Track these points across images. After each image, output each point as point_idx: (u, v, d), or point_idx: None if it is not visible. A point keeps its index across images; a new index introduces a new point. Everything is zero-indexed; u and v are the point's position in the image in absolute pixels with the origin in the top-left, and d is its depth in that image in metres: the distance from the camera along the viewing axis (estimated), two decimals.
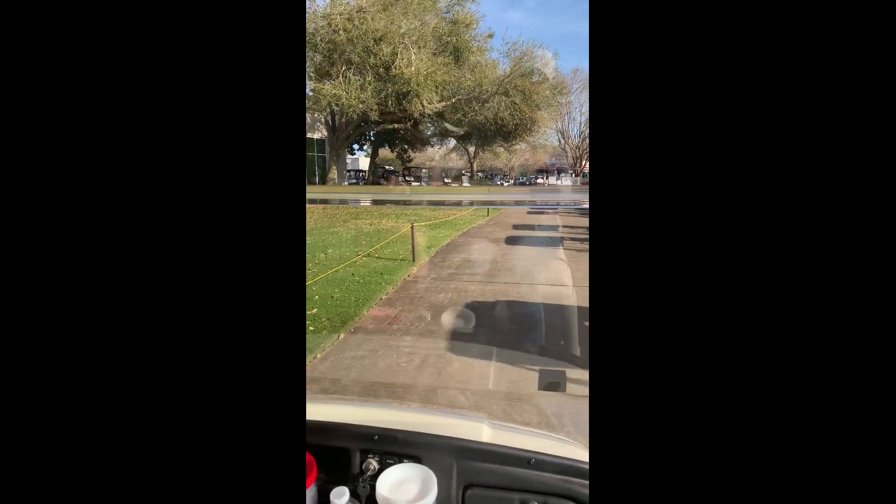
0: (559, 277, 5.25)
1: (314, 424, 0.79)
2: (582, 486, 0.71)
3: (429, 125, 15.96)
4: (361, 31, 12.18)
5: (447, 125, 15.05)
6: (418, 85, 12.52)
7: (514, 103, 14.34)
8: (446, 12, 14.05)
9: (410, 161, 19.71)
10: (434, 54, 13.18)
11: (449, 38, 13.68)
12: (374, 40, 12.27)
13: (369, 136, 17.53)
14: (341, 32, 12.07)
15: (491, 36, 14.65)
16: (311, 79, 12.59)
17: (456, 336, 3.44)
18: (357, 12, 12.26)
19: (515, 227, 9.80)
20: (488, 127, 14.88)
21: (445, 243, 7.43)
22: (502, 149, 18.67)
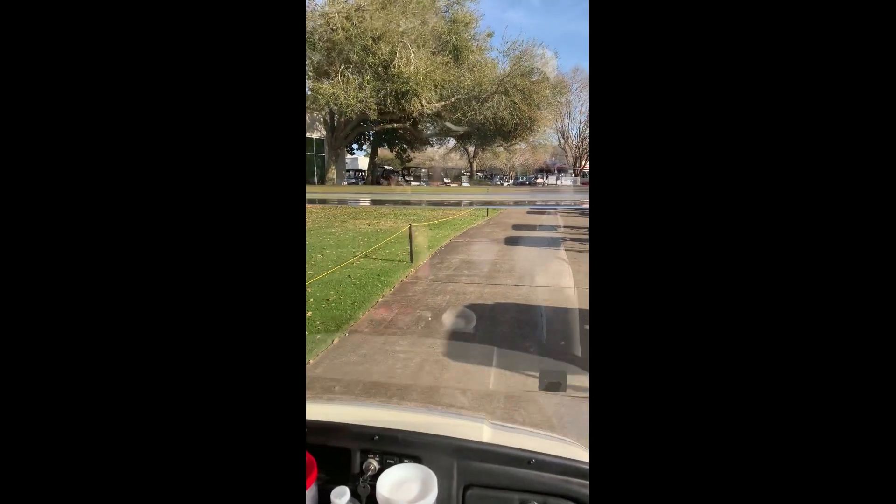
0: (560, 279, 5.16)
1: (315, 424, 0.79)
2: (582, 487, 0.70)
3: (428, 125, 15.88)
4: (360, 30, 12.11)
5: (446, 124, 14.96)
6: (417, 84, 12.45)
7: (514, 103, 14.28)
8: (445, 11, 14.00)
9: (410, 161, 19.63)
10: (433, 53, 13.11)
11: (448, 37, 13.62)
12: (373, 39, 12.20)
13: (368, 135, 17.46)
14: (339, 31, 12.00)
15: (490, 35, 14.60)
16: (309, 78, 12.49)
17: (454, 340, 3.35)
18: (355, 11, 12.19)
19: (515, 227, 9.73)
20: (488, 126, 14.81)
21: (444, 244, 7.36)
22: (502, 148, 18.60)
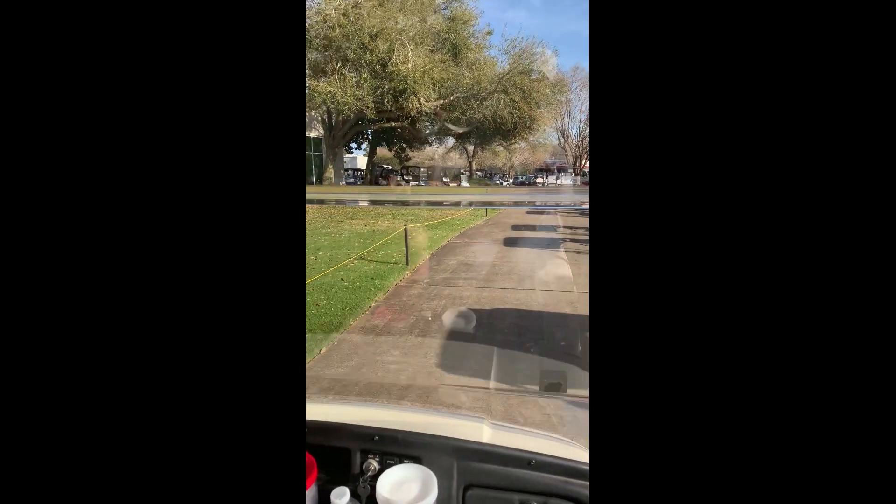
0: (560, 282, 4.98)
1: (315, 424, 0.78)
2: (582, 487, 0.70)
3: (426, 123, 15.69)
4: (357, 27, 11.92)
5: (445, 123, 14.77)
6: (415, 82, 12.26)
7: (514, 101, 14.09)
8: (444, 8, 13.81)
9: (408, 160, 19.42)
10: (431, 51, 12.92)
11: (447, 35, 13.45)
12: (370, 36, 12.01)
13: (367, 134, 17.26)
14: (336, 28, 11.81)
15: (490, 33, 14.45)
16: (306, 76, 12.29)
17: (449, 350, 3.17)
18: (352, 8, 12.00)
19: (514, 227, 9.55)
20: (487, 125, 14.62)
21: (442, 245, 7.18)
22: (501, 148, 18.43)
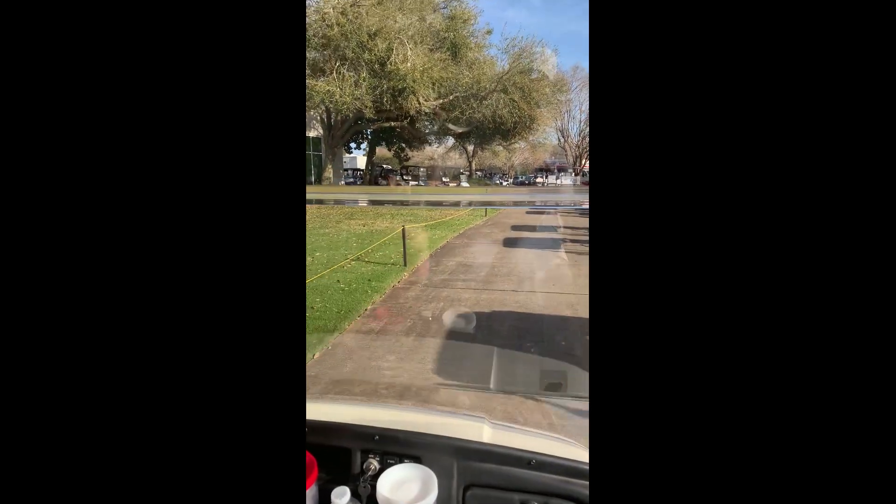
0: (561, 284, 4.90)
1: (316, 424, 0.78)
2: (582, 487, 0.70)
3: (426, 123, 15.60)
4: (355, 26, 11.82)
5: (445, 123, 14.68)
6: (414, 81, 12.17)
7: (513, 101, 13.98)
8: (443, 7, 13.72)
9: (408, 160, 19.30)
10: (431, 50, 12.83)
11: (446, 34, 13.34)
12: (369, 35, 11.92)
13: (366, 134, 17.16)
14: (335, 27, 11.71)
15: (489, 32, 14.36)
16: None
17: (445, 355, 3.09)
18: (351, 6, 11.90)
19: (514, 227, 9.46)
20: (487, 125, 14.51)
21: (440, 245, 7.10)
22: (501, 147, 18.33)
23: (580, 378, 2.42)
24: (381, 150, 19.03)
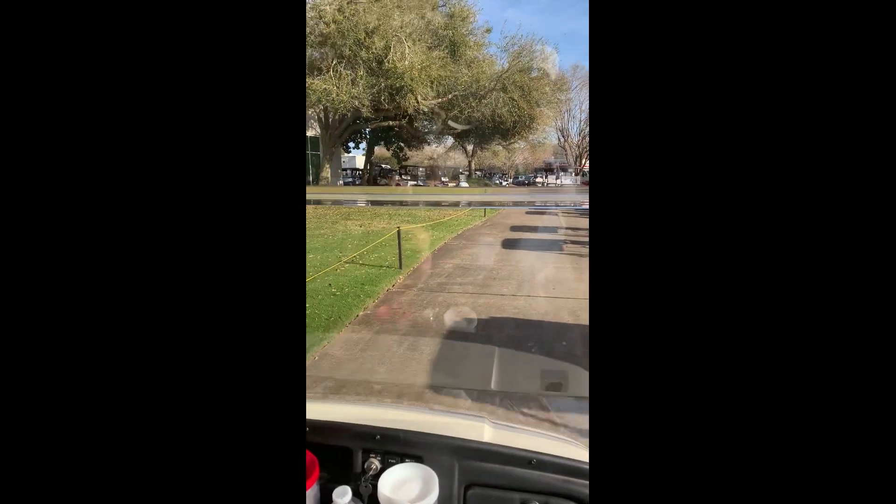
0: (561, 288, 4.72)
1: (317, 424, 0.78)
2: (583, 487, 0.70)
3: (424, 122, 15.41)
4: (352, 24, 11.64)
5: (443, 122, 14.49)
6: (412, 80, 11.98)
7: (513, 100, 13.78)
8: (442, 5, 13.52)
9: (407, 159, 19.12)
10: (429, 48, 12.63)
11: (445, 32, 13.14)
12: (366, 33, 11.73)
13: (364, 133, 16.97)
14: (331, 24, 11.53)
15: (489, 31, 14.11)
16: None
17: (440, 366, 2.91)
18: (348, 3, 11.72)
19: (513, 228, 9.28)
20: (486, 124, 14.31)
21: (438, 247, 6.92)
22: (501, 147, 18.14)
23: (582, 377, 2.26)
24: (380, 150, 18.85)
